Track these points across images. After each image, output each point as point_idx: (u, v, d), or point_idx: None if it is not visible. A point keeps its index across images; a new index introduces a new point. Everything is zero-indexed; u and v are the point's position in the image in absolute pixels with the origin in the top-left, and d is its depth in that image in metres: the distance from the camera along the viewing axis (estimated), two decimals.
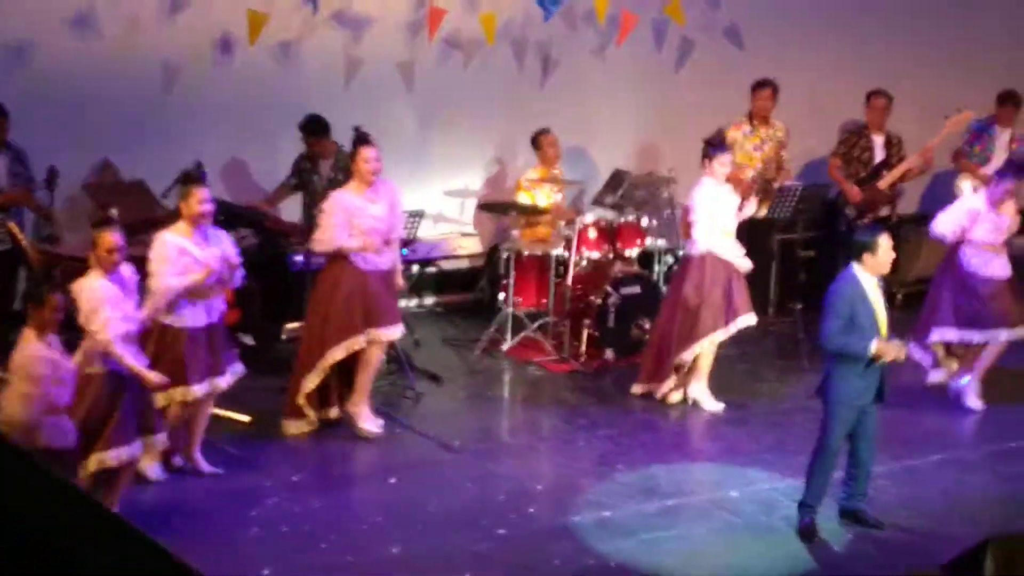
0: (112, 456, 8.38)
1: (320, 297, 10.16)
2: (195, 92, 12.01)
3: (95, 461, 8.35)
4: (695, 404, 11.08)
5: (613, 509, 9.23)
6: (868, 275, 8.65)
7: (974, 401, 11.18)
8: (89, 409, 8.31)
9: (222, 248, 9.22)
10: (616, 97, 13.68)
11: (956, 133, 13.31)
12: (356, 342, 10.06)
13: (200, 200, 9.04)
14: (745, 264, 10.96)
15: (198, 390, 9.18)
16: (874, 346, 8.51)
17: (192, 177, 9.18)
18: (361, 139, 10.10)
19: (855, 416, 8.72)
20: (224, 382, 9.38)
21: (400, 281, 10.51)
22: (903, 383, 10.89)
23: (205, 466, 9.50)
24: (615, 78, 13.62)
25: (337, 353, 10.06)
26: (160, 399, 8.93)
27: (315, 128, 11.87)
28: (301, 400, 10.14)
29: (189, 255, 9.01)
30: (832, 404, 8.73)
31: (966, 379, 11.21)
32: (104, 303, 8.32)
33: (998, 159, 13.34)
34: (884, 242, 8.67)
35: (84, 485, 8.14)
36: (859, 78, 13.79)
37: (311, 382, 10.10)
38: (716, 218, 10.87)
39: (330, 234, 9.99)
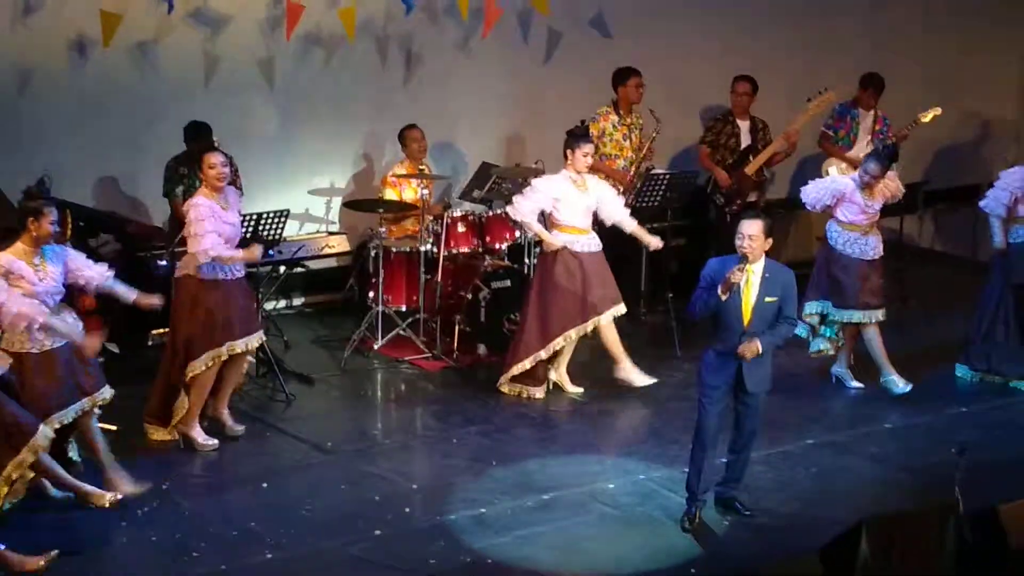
0: None
1: (182, 311, 10.00)
2: (50, 96, 11.77)
3: None
4: (557, 387, 11.20)
5: (489, 505, 9.20)
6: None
7: (853, 383, 11.30)
8: None
9: (64, 264, 9.01)
10: (482, 90, 13.60)
11: (820, 115, 13.38)
12: (219, 354, 9.96)
13: (51, 221, 8.83)
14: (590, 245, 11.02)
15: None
16: (720, 288, 8.56)
17: (36, 194, 8.94)
18: (204, 147, 10.02)
19: (720, 396, 8.77)
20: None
21: None
22: (775, 367, 10.93)
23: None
24: (480, 71, 13.53)
25: (199, 367, 9.95)
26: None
27: (201, 133, 11.60)
28: (179, 416, 10.02)
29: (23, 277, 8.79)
30: (698, 384, 8.88)
31: (837, 368, 11.33)
32: None
33: (863, 141, 13.46)
34: (739, 227, 8.69)
35: None
36: (724, 64, 13.81)
37: (197, 403, 10.01)
38: (572, 207, 10.86)
39: (211, 240, 9.78)
